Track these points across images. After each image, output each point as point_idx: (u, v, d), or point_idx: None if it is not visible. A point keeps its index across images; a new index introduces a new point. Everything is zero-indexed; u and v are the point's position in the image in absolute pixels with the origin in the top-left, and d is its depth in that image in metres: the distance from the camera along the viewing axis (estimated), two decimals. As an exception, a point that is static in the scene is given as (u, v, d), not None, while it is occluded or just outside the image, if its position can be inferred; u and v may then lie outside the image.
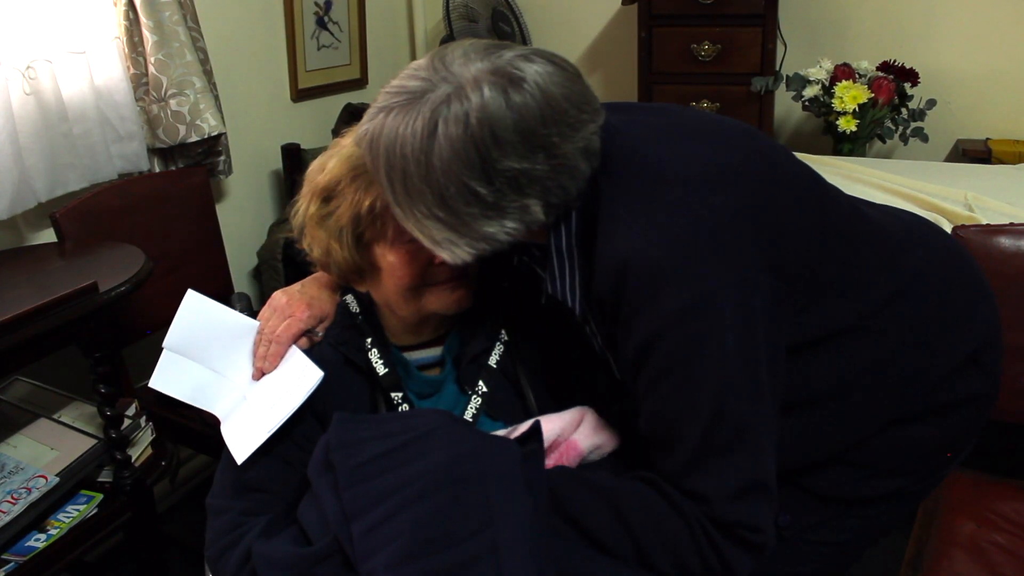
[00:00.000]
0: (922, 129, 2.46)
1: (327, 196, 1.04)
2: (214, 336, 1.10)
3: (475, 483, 0.85)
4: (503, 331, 1.13)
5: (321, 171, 1.05)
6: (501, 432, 1.03)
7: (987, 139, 2.50)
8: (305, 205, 1.07)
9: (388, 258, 1.03)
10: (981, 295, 1.09)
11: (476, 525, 0.83)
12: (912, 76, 2.47)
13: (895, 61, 2.50)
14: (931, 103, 2.45)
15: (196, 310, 1.11)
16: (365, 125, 0.88)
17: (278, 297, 1.11)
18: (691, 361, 0.85)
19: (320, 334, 1.10)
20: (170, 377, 1.09)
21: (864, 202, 1.09)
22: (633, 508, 0.90)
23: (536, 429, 0.97)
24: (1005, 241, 1.42)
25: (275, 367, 1.07)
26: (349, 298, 1.10)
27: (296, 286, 1.14)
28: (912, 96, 2.48)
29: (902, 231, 1.07)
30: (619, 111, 0.95)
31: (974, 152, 2.47)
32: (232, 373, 1.09)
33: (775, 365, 0.89)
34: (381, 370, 1.06)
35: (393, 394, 1.05)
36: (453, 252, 0.89)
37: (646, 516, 0.89)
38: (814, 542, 1.05)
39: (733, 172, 0.90)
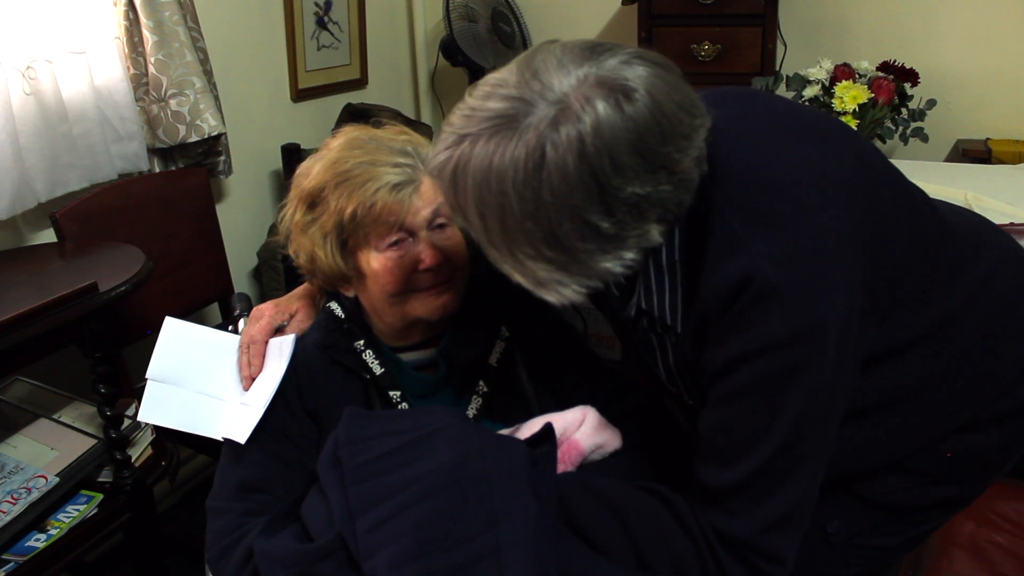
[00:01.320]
0: (922, 129, 2.46)
1: (312, 202, 1.05)
2: (198, 359, 1.09)
3: (480, 483, 0.84)
4: (503, 328, 1.13)
5: (307, 176, 1.06)
6: (505, 432, 1.03)
7: (987, 139, 2.50)
8: (291, 211, 1.07)
9: (372, 265, 1.03)
10: None
11: (479, 526, 0.82)
12: (912, 76, 2.47)
13: (895, 61, 2.49)
14: (931, 103, 2.45)
15: (176, 336, 1.10)
16: (442, 154, 0.77)
17: (252, 313, 1.12)
18: (782, 390, 0.81)
19: (287, 324, 1.11)
20: (160, 407, 1.08)
21: (936, 201, 1.03)
22: (641, 524, 0.89)
23: (548, 431, 0.96)
24: (1005, 241, 1.42)
25: (260, 368, 1.07)
26: (333, 304, 1.10)
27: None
28: (912, 96, 2.47)
29: (970, 233, 1.03)
30: (712, 104, 0.84)
31: (974, 152, 2.47)
32: (223, 392, 1.09)
33: (850, 388, 0.87)
34: (378, 370, 1.06)
35: (391, 392, 1.05)
36: (560, 293, 0.80)
37: (654, 533, 0.88)
38: (861, 547, 1.04)
39: (846, 186, 0.85)
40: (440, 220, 1.06)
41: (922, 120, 2.46)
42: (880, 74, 2.47)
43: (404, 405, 1.05)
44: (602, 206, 0.73)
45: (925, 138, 2.46)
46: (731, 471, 0.84)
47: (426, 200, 1.03)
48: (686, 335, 0.89)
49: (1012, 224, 1.46)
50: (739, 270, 0.79)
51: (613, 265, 0.78)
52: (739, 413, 0.84)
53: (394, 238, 1.03)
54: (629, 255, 0.78)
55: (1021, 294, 1.03)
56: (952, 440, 1.00)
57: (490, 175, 0.73)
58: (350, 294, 1.10)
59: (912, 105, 2.47)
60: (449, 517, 0.82)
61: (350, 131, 1.08)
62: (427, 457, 0.86)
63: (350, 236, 1.03)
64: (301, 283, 1.19)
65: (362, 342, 1.08)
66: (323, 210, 1.03)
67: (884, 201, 0.89)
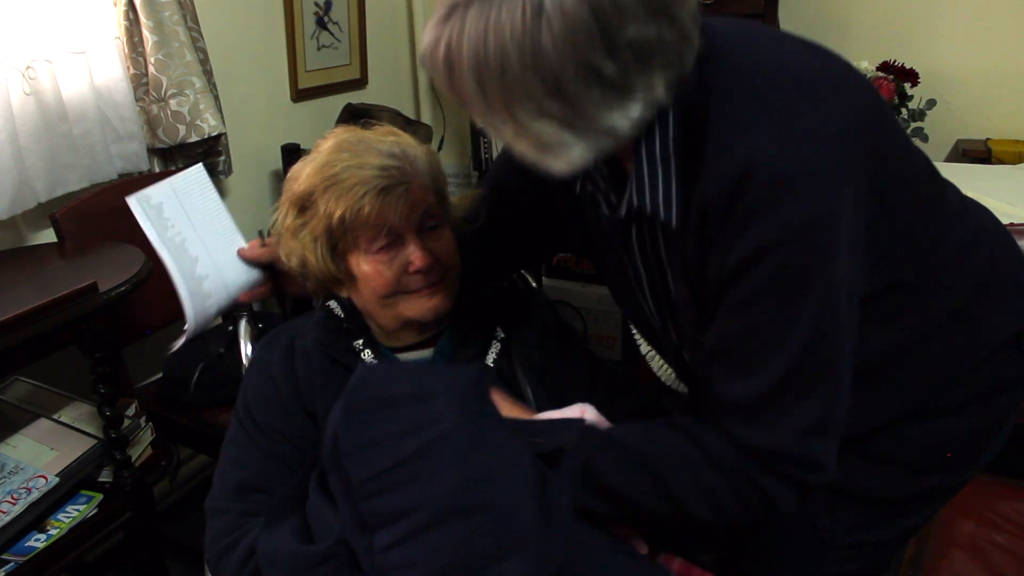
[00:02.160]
0: (922, 129, 2.46)
1: (302, 206, 1.05)
2: (198, 212, 1.16)
3: (485, 513, 0.82)
4: (499, 329, 1.14)
5: (297, 179, 1.06)
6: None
7: (987, 139, 2.50)
8: (283, 215, 1.08)
9: (363, 268, 1.04)
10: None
11: (488, 558, 0.81)
12: (912, 76, 2.47)
13: (895, 61, 2.49)
14: (931, 103, 2.45)
15: (197, 182, 1.18)
16: (431, 35, 0.76)
17: None
18: (799, 288, 0.78)
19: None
20: (149, 212, 1.14)
21: None
22: (671, 469, 0.87)
23: (574, 424, 0.96)
24: (1005, 241, 1.42)
25: None
26: (333, 303, 1.10)
27: None
28: (912, 96, 2.47)
29: (960, 199, 1.02)
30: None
31: (974, 152, 2.46)
32: (194, 245, 1.14)
33: (859, 292, 0.84)
34: None
35: (390, 392, 1.06)
36: (566, 157, 0.79)
37: (686, 475, 0.86)
38: (855, 543, 1.04)
39: (845, 80, 0.83)
40: (430, 222, 1.06)
41: (922, 120, 2.46)
42: (880, 74, 2.47)
43: (403, 405, 1.05)
44: (604, 47, 0.71)
45: (925, 138, 2.46)
46: (756, 381, 0.81)
47: (414, 202, 1.03)
48: (684, 234, 0.85)
49: (1012, 224, 1.46)
50: (744, 156, 0.76)
51: (620, 121, 0.77)
52: (756, 318, 0.80)
53: (383, 241, 1.03)
54: (635, 110, 0.77)
55: (1006, 264, 1.02)
56: (928, 423, 0.99)
57: (487, 35, 0.72)
58: (344, 296, 1.10)
59: (912, 105, 2.47)
60: (457, 548, 0.81)
61: (339, 133, 1.08)
62: (429, 479, 0.83)
63: (340, 240, 1.04)
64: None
65: (361, 341, 1.08)
66: (313, 214, 1.04)
67: (883, 108, 0.88)
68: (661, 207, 0.85)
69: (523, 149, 0.80)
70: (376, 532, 0.83)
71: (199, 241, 1.14)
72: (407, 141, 1.08)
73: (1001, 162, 2.36)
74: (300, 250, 1.06)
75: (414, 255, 1.03)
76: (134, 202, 1.12)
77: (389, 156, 1.03)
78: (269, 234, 1.17)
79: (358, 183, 1.00)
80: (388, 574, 0.81)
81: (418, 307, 1.05)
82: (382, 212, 1.01)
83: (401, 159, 1.04)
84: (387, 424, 0.87)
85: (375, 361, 1.07)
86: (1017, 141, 2.48)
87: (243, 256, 1.18)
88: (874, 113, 0.85)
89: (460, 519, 0.81)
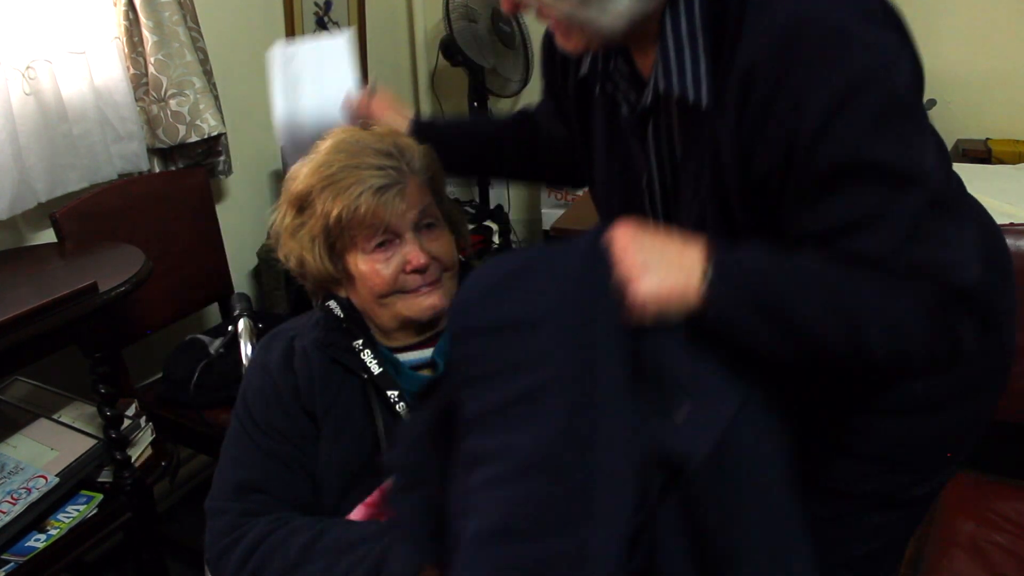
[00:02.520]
0: (922, 129, 2.46)
1: (300, 206, 1.06)
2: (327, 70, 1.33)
3: (578, 476, 0.75)
4: None
5: (295, 180, 1.07)
6: None
7: (987, 139, 2.50)
8: (281, 215, 1.08)
9: (360, 267, 1.04)
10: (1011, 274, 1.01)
11: (568, 526, 0.74)
12: (912, 76, 2.47)
13: (895, 61, 2.50)
14: (931, 103, 2.45)
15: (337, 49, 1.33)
16: None
17: None
18: (902, 112, 0.74)
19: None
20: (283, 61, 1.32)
21: None
22: (859, 291, 0.77)
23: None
24: (1006, 240, 1.42)
25: None
26: (332, 303, 1.10)
27: None
28: (912, 96, 2.48)
29: (963, 189, 1.00)
30: None
31: (974, 152, 2.47)
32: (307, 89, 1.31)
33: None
34: (376, 369, 1.06)
35: (389, 392, 1.06)
36: (610, 9, 0.78)
37: (870, 294, 0.76)
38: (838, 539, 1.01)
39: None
40: (427, 220, 1.06)
41: (922, 120, 2.46)
42: (880, 74, 2.47)
43: (402, 405, 1.05)
44: None
45: (925, 138, 2.46)
46: (886, 230, 0.74)
47: (411, 201, 1.04)
48: (716, 116, 0.80)
49: (1012, 224, 1.46)
50: (790, 13, 0.73)
51: None
52: (868, 166, 0.74)
53: (380, 240, 1.04)
54: None
55: (997, 248, 0.99)
56: (892, 420, 0.96)
57: None
58: (343, 295, 1.10)
59: (912, 105, 2.47)
60: (539, 505, 0.75)
61: (338, 134, 1.09)
62: (527, 427, 0.76)
63: (337, 239, 1.04)
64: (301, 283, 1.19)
65: (360, 341, 1.08)
66: (311, 214, 1.05)
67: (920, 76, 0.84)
68: (690, 87, 0.81)
69: (567, 6, 0.80)
70: (459, 474, 0.78)
71: (314, 89, 1.33)
72: (405, 141, 1.09)
73: (1001, 162, 2.36)
74: (298, 250, 1.07)
75: (411, 254, 1.03)
76: (278, 51, 1.34)
77: (386, 156, 1.04)
78: (270, 234, 1.17)
79: (355, 182, 1.01)
80: (464, 514, 0.76)
81: (415, 306, 1.05)
82: (378, 211, 1.01)
83: (398, 158, 1.04)
84: (504, 352, 0.78)
85: (375, 361, 1.07)
86: (1017, 141, 2.48)
87: (346, 108, 1.28)
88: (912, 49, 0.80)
89: (552, 475, 0.75)
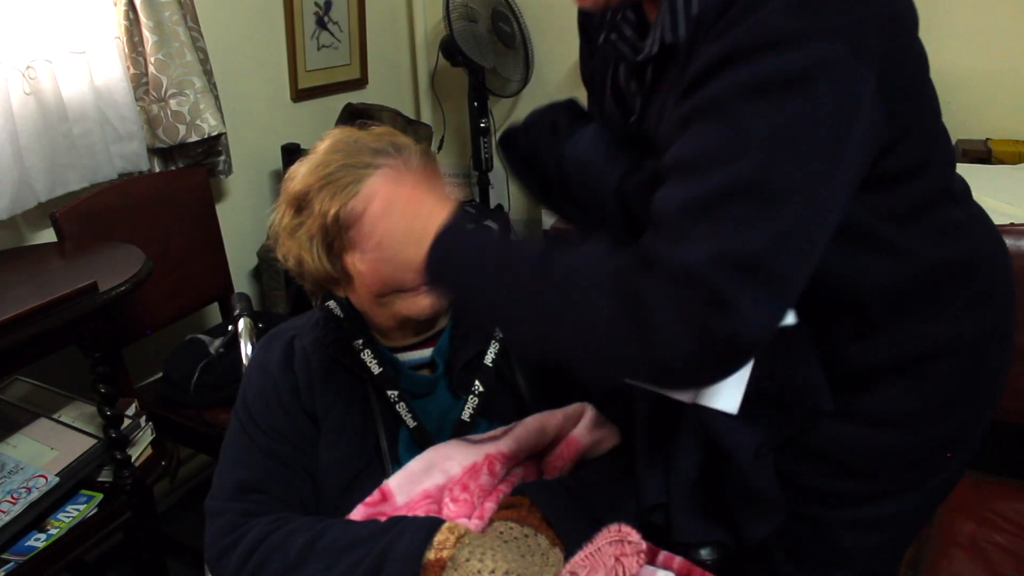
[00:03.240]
0: (922, 129, 2.46)
1: (298, 206, 1.06)
2: None
3: None
4: (497, 330, 1.14)
5: (293, 180, 1.07)
6: (499, 431, 1.03)
7: (987, 139, 2.50)
8: (280, 215, 1.08)
9: (358, 267, 1.04)
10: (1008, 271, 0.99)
11: None
12: (912, 76, 2.47)
13: (895, 61, 2.50)
14: (931, 103, 2.45)
15: None
16: None
17: None
18: (777, 92, 0.66)
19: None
20: None
21: None
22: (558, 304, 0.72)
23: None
24: (1005, 241, 1.42)
25: None
26: (332, 304, 1.10)
27: None
28: (912, 96, 2.48)
29: (960, 181, 0.98)
30: None
31: (974, 152, 2.46)
32: None
33: (849, 191, 0.71)
34: (376, 369, 1.06)
35: (389, 392, 1.06)
36: None
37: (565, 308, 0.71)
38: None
39: None
40: None
41: (922, 120, 2.46)
42: (880, 74, 2.47)
43: (402, 404, 1.05)
44: None
45: (925, 138, 2.46)
46: (694, 187, 0.67)
47: None
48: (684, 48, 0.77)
49: (1012, 224, 1.46)
50: None
51: None
52: (713, 124, 0.68)
53: None
54: None
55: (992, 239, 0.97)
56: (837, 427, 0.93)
57: None
58: (342, 295, 1.11)
59: (912, 105, 2.47)
60: None
61: (336, 134, 1.09)
62: None
63: (335, 238, 1.04)
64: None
65: (360, 341, 1.08)
66: (309, 213, 1.04)
67: (915, 43, 0.81)
68: (669, 30, 0.78)
69: None
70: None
71: None
72: (402, 140, 1.09)
73: (1001, 162, 2.36)
74: (296, 249, 1.06)
75: None
76: None
77: (383, 154, 1.04)
78: (269, 232, 1.17)
79: (352, 181, 1.01)
80: None
81: (414, 305, 1.05)
82: None
83: (395, 156, 1.05)
84: None
85: (375, 361, 1.07)
86: (1017, 141, 2.48)
87: None
88: (904, 6, 0.76)
89: None
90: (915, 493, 0.97)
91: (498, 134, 1.31)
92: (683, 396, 0.86)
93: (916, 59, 0.83)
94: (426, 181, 0.94)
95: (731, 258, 0.64)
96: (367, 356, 1.07)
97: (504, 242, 0.80)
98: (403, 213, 0.84)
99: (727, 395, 0.84)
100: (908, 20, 0.79)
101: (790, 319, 0.79)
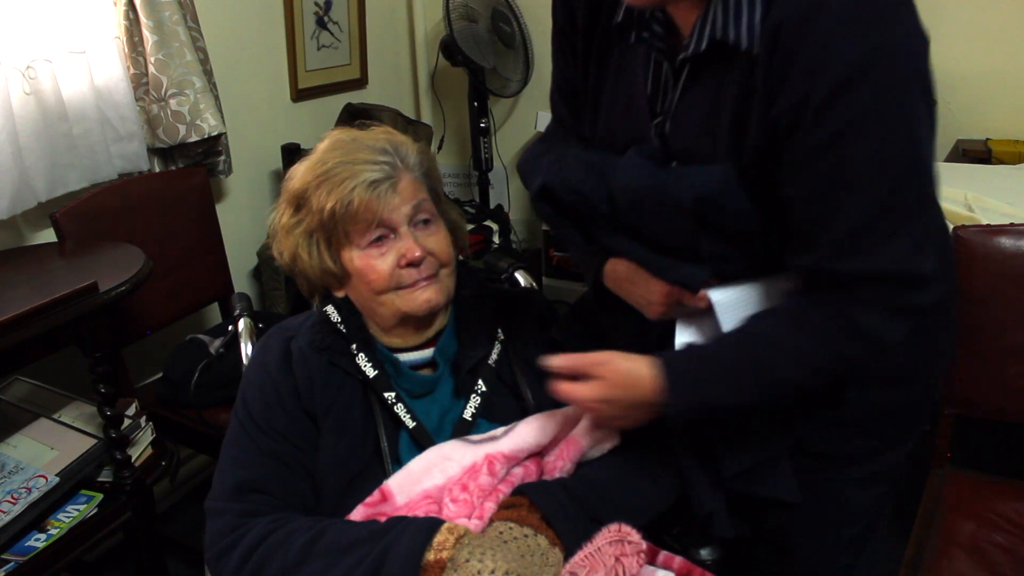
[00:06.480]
0: (922, 129, 2.46)
1: (297, 204, 1.07)
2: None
3: None
4: (499, 330, 1.14)
5: (292, 179, 1.08)
6: (499, 430, 1.03)
7: (987, 139, 2.50)
8: (279, 214, 1.09)
9: (356, 263, 1.05)
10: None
11: None
12: (912, 76, 2.47)
13: (895, 61, 2.49)
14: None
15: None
16: None
17: None
18: (895, 104, 0.76)
19: None
20: None
21: None
22: (774, 355, 0.88)
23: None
24: (1005, 241, 1.42)
25: None
26: (329, 308, 1.11)
27: None
28: (912, 96, 2.47)
29: None
30: None
31: (974, 152, 2.46)
32: None
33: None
34: (371, 372, 1.06)
35: (386, 394, 1.06)
36: None
37: (785, 353, 0.88)
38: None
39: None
40: (423, 216, 1.07)
41: (922, 120, 2.46)
42: (880, 74, 2.47)
43: (400, 406, 1.05)
44: None
45: (925, 138, 2.46)
46: (854, 211, 0.80)
47: (405, 196, 1.04)
48: (758, 65, 0.81)
49: (1012, 224, 1.46)
50: None
51: None
52: (848, 148, 0.78)
53: (375, 234, 1.04)
54: None
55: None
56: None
57: None
58: (340, 295, 1.11)
59: (912, 105, 2.47)
60: None
61: (335, 134, 1.10)
62: None
63: (333, 235, 1.05)
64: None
65: (355, 345, 1.08)
66: (307, 211, 1.06)
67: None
68: (745, 35, 0.82)
69: None
70: None
71: None
72: (400, 139, 1.09)
73: (1001, 162, 2.36)
74: (293, 246, 1.07)
75: (407, 247, 1.04)
76: None
77: (380, 152, 1.05)
78: (269, 232, 1.17)
79: (348, 177, 1.02)
80: None
81: (412, 301, 1.05)
82: (372, 204, 1.02)
83: (392, 154, 1.05)
84: None
85: (369, 364, 1.07)
86: (1017, 141, 2.48)
87: None
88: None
89: None
90: (911, 441, 1.08)
91: (497, 134, 1.29)
92: None
93: None
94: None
95: (912, 249, 0.81)
96: (362, 360, 1.07)
97: (717, 355, 0.92)
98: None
99: None
100: None
101: None
